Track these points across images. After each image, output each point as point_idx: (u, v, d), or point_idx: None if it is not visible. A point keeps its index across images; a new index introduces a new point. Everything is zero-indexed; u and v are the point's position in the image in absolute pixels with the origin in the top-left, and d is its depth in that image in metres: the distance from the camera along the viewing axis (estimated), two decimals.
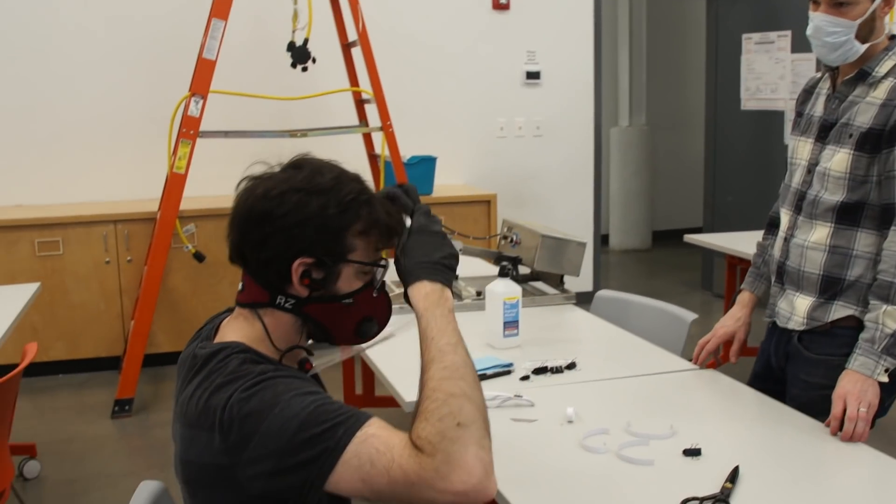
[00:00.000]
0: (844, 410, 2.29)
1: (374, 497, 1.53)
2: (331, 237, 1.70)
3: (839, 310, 2.53)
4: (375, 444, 1.51)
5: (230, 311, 1.88)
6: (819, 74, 2.71)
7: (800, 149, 2.66)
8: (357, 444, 1.51)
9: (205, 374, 1.64)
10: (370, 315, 1.80)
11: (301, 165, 1.79)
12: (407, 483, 1.49)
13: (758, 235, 2.97)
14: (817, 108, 2.63)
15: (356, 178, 1.77)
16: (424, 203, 1.84)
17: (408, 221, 1.82)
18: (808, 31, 2.51)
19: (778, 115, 6.93)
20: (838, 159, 2.47)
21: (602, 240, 8.01)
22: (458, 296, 3.67)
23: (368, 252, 1.75)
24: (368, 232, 1.73)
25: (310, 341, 1.83)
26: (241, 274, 1.78)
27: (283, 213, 1.68)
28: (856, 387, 2.32)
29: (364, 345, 1.87)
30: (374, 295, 1.79)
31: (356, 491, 1.53)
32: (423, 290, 1.70)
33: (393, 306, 1.84)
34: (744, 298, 2.88)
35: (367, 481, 1.51)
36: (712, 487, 1.97)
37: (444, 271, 1.74)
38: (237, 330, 1.75)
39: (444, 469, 1.48)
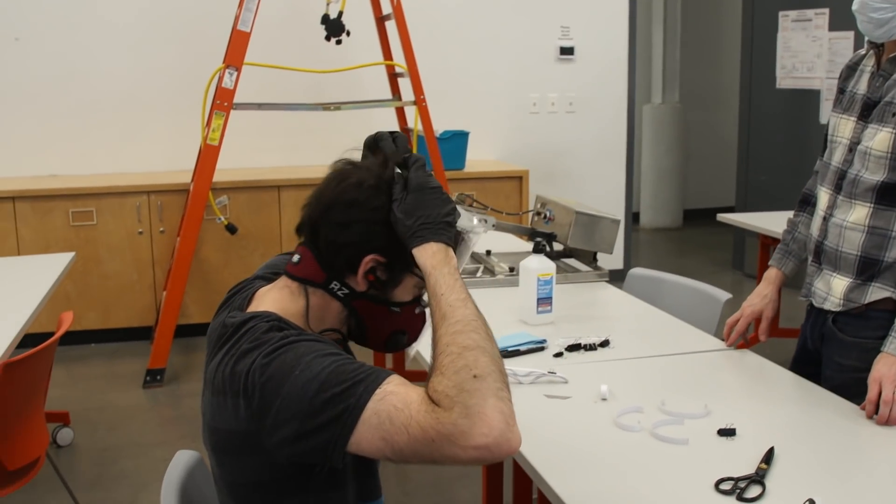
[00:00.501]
0: (880, 394, 2.27)
1: (398, 457, 1.49)
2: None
3: (876, 292, 2.49)
4: (393, 400, 1.48)
5: (259, 278, 1.88)
6: (863, 51, 2.66)
7: (841, 126, 2.62)
8: (376, 401, 1.48)
9: (233, 342, 1.64)
10: (405, 329, 1.81)
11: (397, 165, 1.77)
12: (426, 440, 1.45)
13: (790, 216, 2.94)
14: (861, 85, 2.59)
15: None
16: (419, 155, 1.77)
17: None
18: (854, 6, 2.47)
19: (814, 94, 6.86)
20: (880, 138, 2.44)
21: (633, 218, 7.97)
22: (490, 271, 3.67)
23: None
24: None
25: None
26: (299, 246, 1.78)
27: (372, 207, 1.69)
28: (891, 370, 2.30)
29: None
30: (417, 311, 1.81)
31: (378, 451, 1.49)
32: (430, 250, 1.65)
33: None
34: (770, 275, 2.86)
35: (387, 440, 1.47)
36: (747, 468, 1.96)
37: (447, 229, 1.69)
38: (276, 301, 1.74)
39: (463, 423, 1.43)
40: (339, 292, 1.73)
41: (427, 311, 1.76)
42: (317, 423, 1.50)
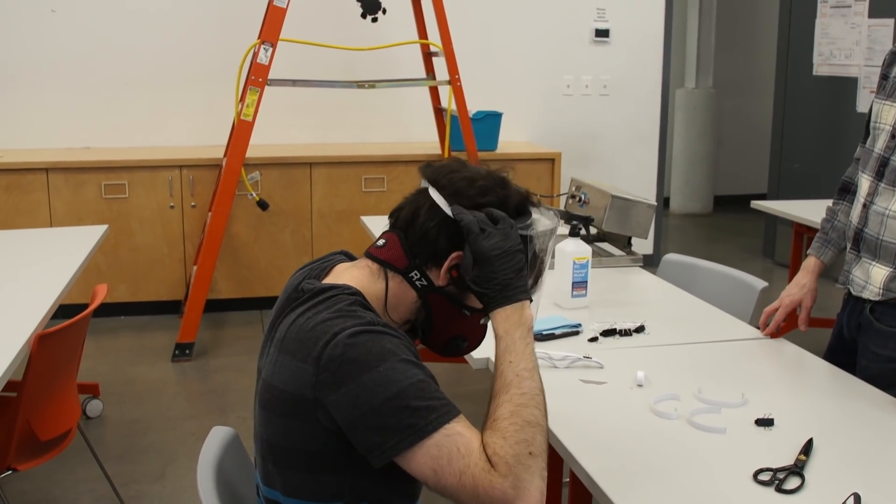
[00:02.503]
0: None
1: (435, 488, 1.55)
2: None
3: None
4: (458, 443, 1.53)
5: (342, 253, 1.89)
6: None
7: (884, 113, 2.57)
8: (442, 435, 1.53)
9: (310, 305, 1.65)
10: (467, 336, 1.83)
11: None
12: (472, 493, 1.52)
13: (826, 204, 2.90)
14: None
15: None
16: (469, 219, 1.71)
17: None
18: None
19: (851, 82, 6.78)
20: None
21: (663, 203, 7.93)
22: None
23: None
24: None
25: None
26: (386, 232, 1.79)
27: (476, 204, 1.71)
28: None
29: None
30: (482, 322, 1.83)
31: (421, 475, 1.54)
32: (504, 315, 1.68)
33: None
34: (809, 264, 2.82)
35: (437, 473, 1.53)
36: (786, 459, 1.94)
37: (519, 291, 1.69)
38: (356, 278, 1.75)
39: (511, 493, 1.51)
40: (417, 282, 1.75)
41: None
42: (377, 424, 1.52)
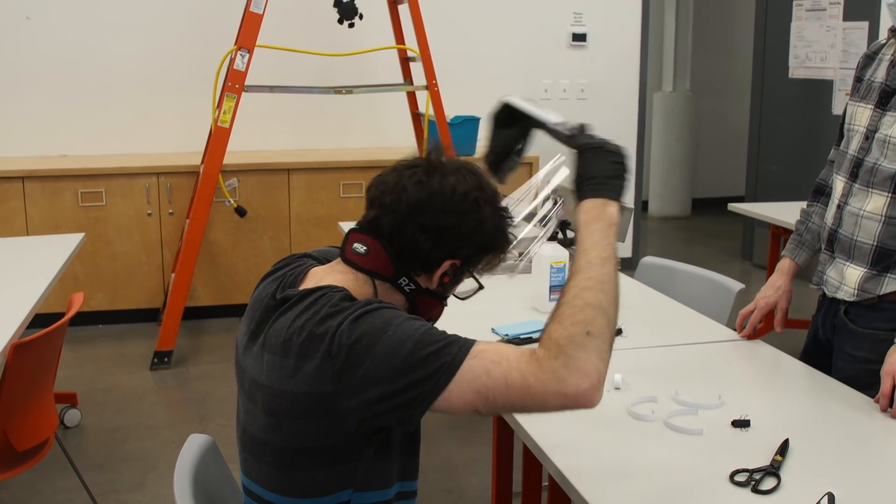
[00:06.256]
0: (894, 387, 2.25)
1: (488, 408, 1.56)
2: (481, 251, 1.79)
3: (891, 283, 2.48)
4: (489, 356, 1.55)
5: (309, 257, 1.91)
6: (883, 40, 2.64)
7: (858, 115, 2.60)
8: (471, 358, 1.55)
9: (304, 307, 1.66)
10: (432, 318, 1.87)
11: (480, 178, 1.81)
12: (524, 386, 1.52)
13: (803, 206, 2.92)
14: (879, 73, 2.57)
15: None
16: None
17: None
18: (891, 0, 2.45)
19: (826, 85, 6.83)
20: None
21: (641, 206, 7.95)
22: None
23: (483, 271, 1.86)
24: (495, 257, 1.82)
25: None
26: (361, 235, 1.77)
27: (475, 220, 1.74)
28: None
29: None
30: (444, 304, 1.87)
31: (467, 404, 1.55)
32: (586, 206, 1.71)
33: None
34: (784, 266, 2.84)
35: (481, 392, 1.54)
36: (762, 459, 1.95)
37: (610, 184, 1.73)
38: (342, 282, 1.75)
39: (563, 371, 1.51)
40: (406, 287, 1.77)
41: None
42: (408, 382, 1.55)
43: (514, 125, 1.97)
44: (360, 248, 1.76)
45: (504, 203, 1.80)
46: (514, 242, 1.87)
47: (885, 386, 2.26)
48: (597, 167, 1.74)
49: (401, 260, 1.75)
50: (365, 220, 1.78)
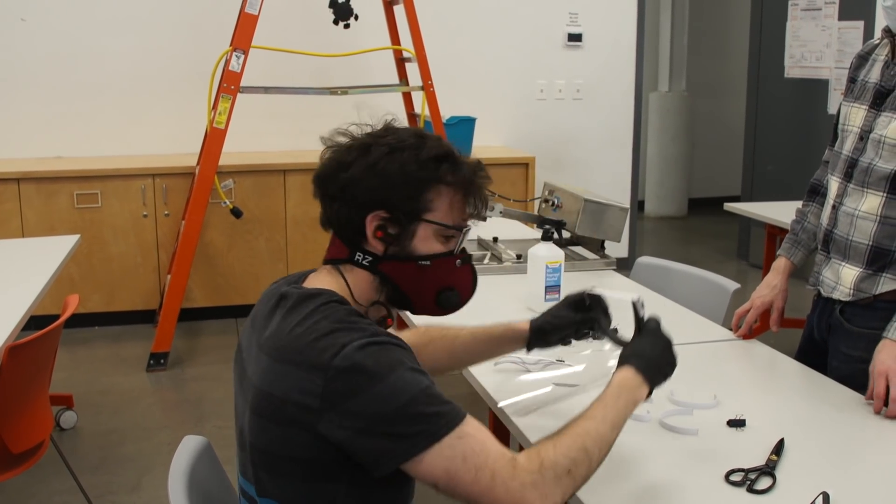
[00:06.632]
0: (887, 386, 2.24)
1: (447, 489, 1.56)
2: (407, 193, 1.72)
3: (887, 283, 2.48)
4: (472, 443, 1.55)
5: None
6: (876, 41, 2.64)
7: (852, 115, 2.60)
8: (454, 437, 1.54)
9: (306, 314, 1.65)
10: (451, 284, 1.82)
11: (387, 128, 1.81)
12: (489, 486, 1.53)
13: (798, 205, 2.92)
14: (873, 74, 2.57)
15: (441, 140, 1.80)
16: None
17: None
18: (887, 3, 2.45)
19: (822, 84, 6.83)
20: (895, 126, 2.42)
21: (638, 206, 7.95)
22: (497, 258, 3.65)
23: (451, 214, 1.77)
24: (450, 191, 1.76)
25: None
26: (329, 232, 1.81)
27: (362, 165, 1.71)
28: (890, 356, 2.26)
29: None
30: (458, 264, 1.82)
31: (431, 478, 1.55)
32: (627, 374, 1.79)
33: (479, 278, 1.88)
34: (779, 265, 2.84)
35: (450, 473, 1.54)
36: (757, 459, 1.94)
37: (658, 372, 1.84)
38: (323, 283, 1.76)
39: (529, 488, 1.54)
40: (363, 262, 1.76)
41: (474, 264, 1.87)
42: (388, 431, 1.53)
43: (580, 312, 2.14)
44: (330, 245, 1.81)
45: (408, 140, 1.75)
46: (458, 169, 1.78)
47: (879, 387, 2.25)
48: (653, 350, 1.87)
49: (345, 237, 1.76)
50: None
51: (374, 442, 1.54)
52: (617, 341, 2.03)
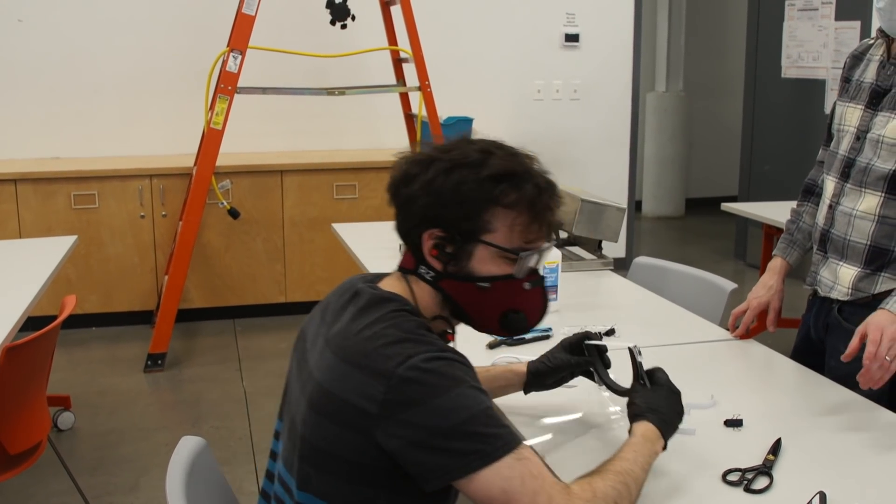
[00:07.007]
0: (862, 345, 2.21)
1: None
2: (462, 213, 1.69)
3: (885, 282, 2.48)
4: (530, 467, 1.56)
5: None
6: (870, 41, 2.64)
7: (848, 115, 2.59)
8: (514, 458, 1.55)
9: (377, 318, 1.65)
10: (516, 308, 1.78)
11: (459, 141, 1.79)
12: None
13: (793, 205, 2.92)
14: (868, 74, 2.57)
15: (512, 157, 1.76)
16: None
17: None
18: (880, 4, 2.45)
19: (819, 84, 6.84)
20: (893, 126, 2.42)
21: (635, 206, 7.95)
22: None
23: (511, 237, 1.72)
24: (511, 213, 1.71)
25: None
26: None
27: (422, 181, 1.70)
28: (885, 319, 2.24)
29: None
30: (527, 287, 1.78)
31: (489, 498, 1.55)
32: (647, 428, 1.83)
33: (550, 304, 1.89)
34: (775, 265, 2.83)
35: (508, 494, 1.54)
36: (754, 459, 1.95)
37: (671, 426, 1.88)
38: (393, 288, 1.77)
39: None
40: (426, 275, 1.75)
41: (546, 289, 1.85)
42: (443, 446, 1.54)
43: (576, 354, 2.16)
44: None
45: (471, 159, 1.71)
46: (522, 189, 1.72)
47: (853, 343, 2.23)
48: (668, 405, 1.91)
49: (412, 248, 1.76)
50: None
51: (428, 455, 1.54)
52: (615, 390, 2.06)
